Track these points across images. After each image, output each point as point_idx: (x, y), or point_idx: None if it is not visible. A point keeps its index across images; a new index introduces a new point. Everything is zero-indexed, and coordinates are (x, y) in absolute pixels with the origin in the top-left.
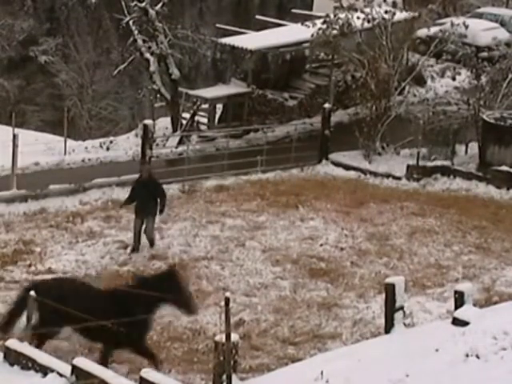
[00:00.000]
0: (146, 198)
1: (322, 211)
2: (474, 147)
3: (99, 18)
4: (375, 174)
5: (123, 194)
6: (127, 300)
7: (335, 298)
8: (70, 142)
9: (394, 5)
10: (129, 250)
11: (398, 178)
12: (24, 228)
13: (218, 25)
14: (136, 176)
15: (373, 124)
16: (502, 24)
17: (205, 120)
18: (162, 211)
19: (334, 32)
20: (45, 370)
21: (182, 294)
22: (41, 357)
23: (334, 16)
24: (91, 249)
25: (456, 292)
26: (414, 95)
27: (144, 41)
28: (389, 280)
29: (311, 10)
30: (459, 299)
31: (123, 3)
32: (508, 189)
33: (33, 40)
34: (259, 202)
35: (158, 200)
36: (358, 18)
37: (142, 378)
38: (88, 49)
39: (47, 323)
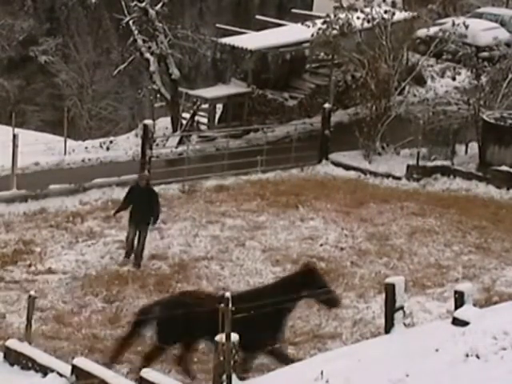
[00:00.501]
0: (141, 206)
1: (322, 211)
2: (474, 147)
3: (99, 18)
4: (375, 174)
5: (123, 194)
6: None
7: None
8: (70, 141)
9: (394, 5)
10: (121, 257)
11: (398, 178)
12: (24, 228)
13: (217, 25)
14: (135, 176)
15: (373, 124)
16: (502, 24)
17: (205, 120)
18: (155, 222)
19: (334, 32)
20: (45, 370)
21: (325, 289)
22: (41, 357)
23: (334, 16)
24: (91, 249)
25: (456, 292)
26: (414, 95)
27: (144, 41)
28: (389, 280)
29: (311, 10)
30: (459, 299)
31: (123, 3)
32: (508, 189)
33: (33, 40)
34: (259, 202)
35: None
36: (358, 17)
37: (141, 378)
38: (88, 49)
39: (166, 340)
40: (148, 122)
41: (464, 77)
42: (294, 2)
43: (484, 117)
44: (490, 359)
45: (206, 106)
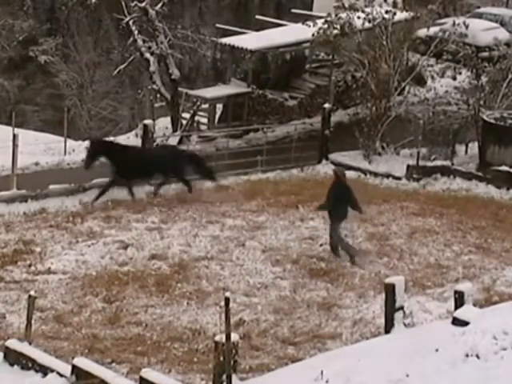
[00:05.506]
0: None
1: (322, 211)
2: (474, 147)
3: (99, 18)
4: (375, 174)
5: (123, 193)
6: None
7: (335, 298)
8: (69, 142)
9: (395, 5)
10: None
11: (398, 178)
12: (24, 228)
13: (217, 25)
14: None
15: (373, 124)
16: (502, 24)
17: (205, 120)
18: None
19: (335, 31)
20: (45, 370)
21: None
22: (41, 357)
23: (336, 15)
24: (91, 249)
25: (456, 292)
26: (414, 95)
27: (144, 41)
28: (389, 280)
29: (311, 9)
30: (459, 299)
31: (123, 3)
32: (508, 189)
33: (33, 40)
34: (259, 202)
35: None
36: (359, 17)
37: (141, 378)
38: (88, 49)
39: None
40: (148, 121)
41: (464, 77)
42: (293, 2)
43: (484, 117)
44: (489, 359)
45: (206, 106)
